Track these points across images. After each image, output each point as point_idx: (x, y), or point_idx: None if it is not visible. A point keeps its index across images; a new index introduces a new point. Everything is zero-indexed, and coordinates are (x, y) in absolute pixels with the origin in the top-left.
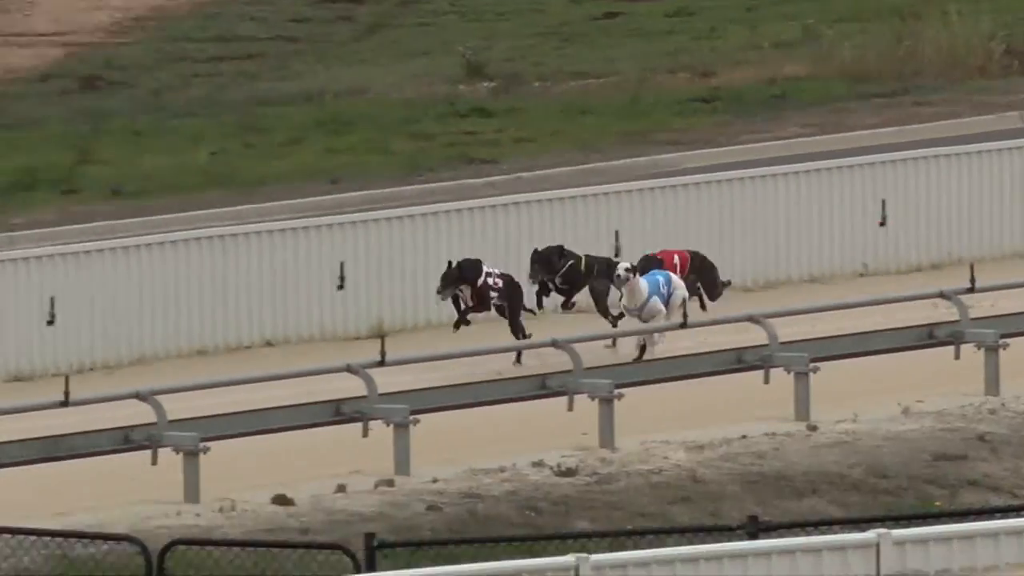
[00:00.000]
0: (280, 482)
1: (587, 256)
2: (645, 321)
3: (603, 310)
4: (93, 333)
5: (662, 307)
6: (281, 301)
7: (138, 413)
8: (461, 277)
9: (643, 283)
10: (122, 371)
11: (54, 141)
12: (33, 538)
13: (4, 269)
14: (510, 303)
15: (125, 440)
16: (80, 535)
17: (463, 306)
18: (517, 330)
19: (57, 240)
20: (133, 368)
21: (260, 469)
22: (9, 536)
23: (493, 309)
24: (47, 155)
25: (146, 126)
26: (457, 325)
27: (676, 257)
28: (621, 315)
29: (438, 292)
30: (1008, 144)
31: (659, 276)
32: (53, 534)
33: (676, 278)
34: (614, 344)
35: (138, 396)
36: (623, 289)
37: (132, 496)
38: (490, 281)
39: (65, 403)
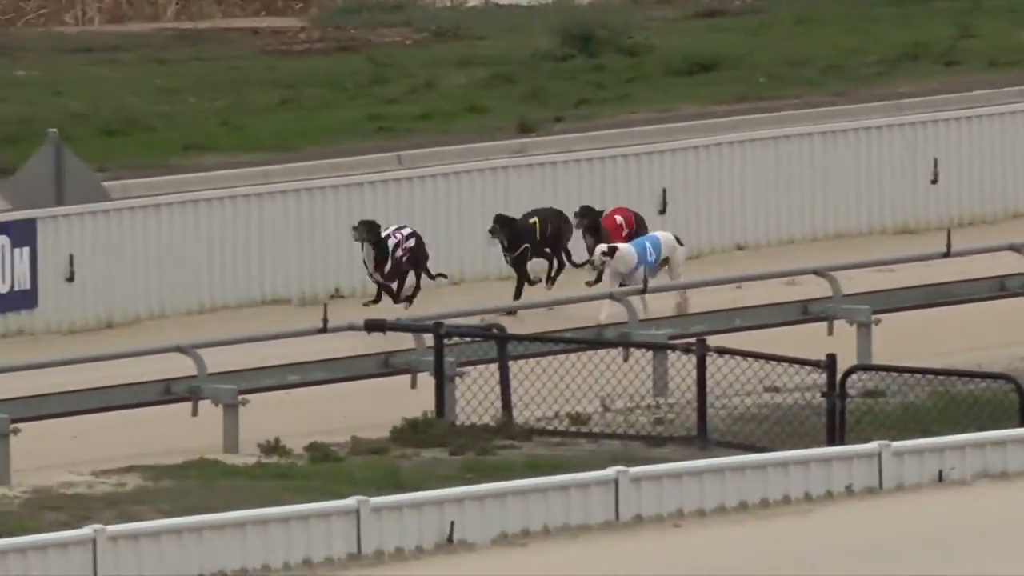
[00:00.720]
0: None
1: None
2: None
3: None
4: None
5: (641, 277)
6: None
7: None
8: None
9: (631, 252)
10: None
11: (938, 17)
12: (919, 376)
13: (891, 134)
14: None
15: None
16: (959, 373)
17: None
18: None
19: (940, 107)
20: None
21: None
22: (897, 375)
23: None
24: (932, 30)
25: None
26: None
27: (619, 217)
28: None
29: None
30: None
31: (645, 241)
32: (936, 372)
33: (666, 237)
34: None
35: None
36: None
37: (1008, 338)
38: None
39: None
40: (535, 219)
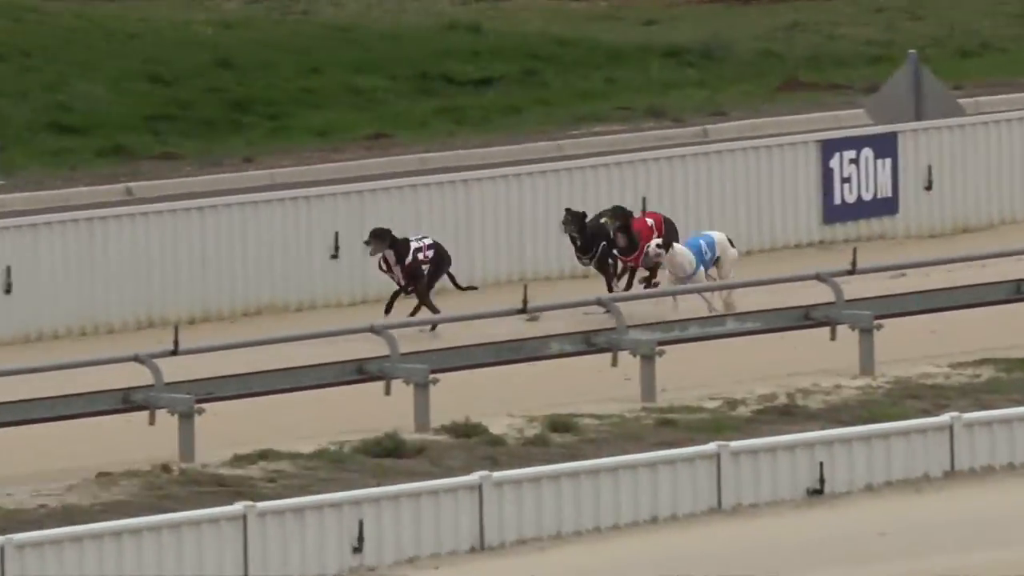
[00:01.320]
0: None
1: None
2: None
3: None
4: None
5: (703, 277)
6: None
7: None
8: (391, 242)
9: (686, 253)
10: None
11: None
12: None
13: None
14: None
15: None
16: None
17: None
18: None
19: None
20: None
21: None
22: None
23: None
24: None
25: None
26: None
27: (650, 220)
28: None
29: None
30: None
31: (700, 240)
32: None
33: (720, 237)
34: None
35: None
36: (664, 263)
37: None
38: (419, 256)
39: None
40: (606, 219)
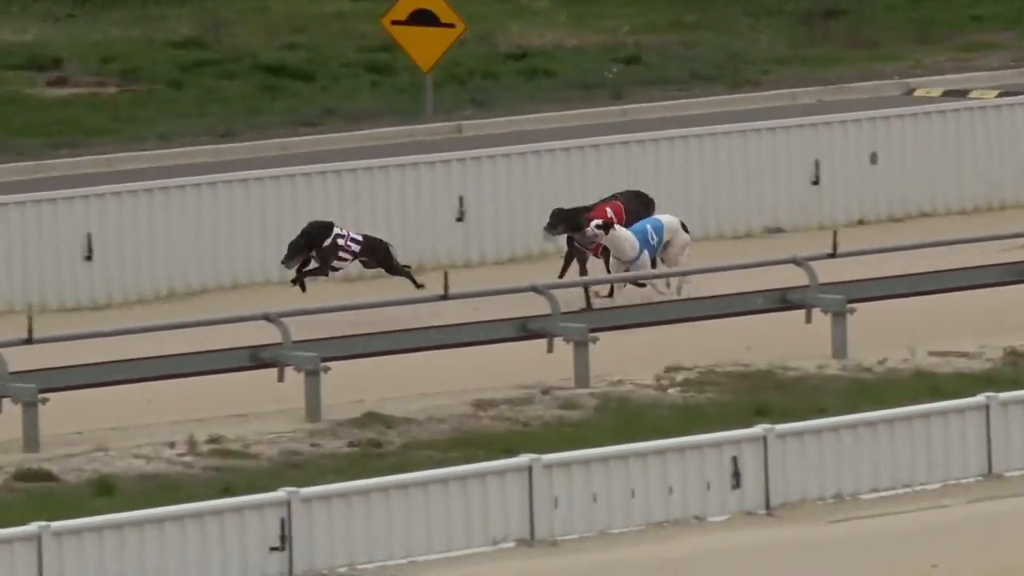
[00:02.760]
0: None
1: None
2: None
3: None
4: None
5: (647, 262)
6: None
7: None
8: (308, 245)
9: (628, 236)
10: None
11: None
12: None
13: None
14: (383, 263)
15: None
16: None
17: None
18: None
19: None
20: None
21: None
22: None
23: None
24: None
25: None
26: (296, 282)
27: (608, 209)
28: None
29: (283, 262)
30: None
31: (648, 225)
32: None
33: (670, 221)
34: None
35: None
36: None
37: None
38: (340, 242)
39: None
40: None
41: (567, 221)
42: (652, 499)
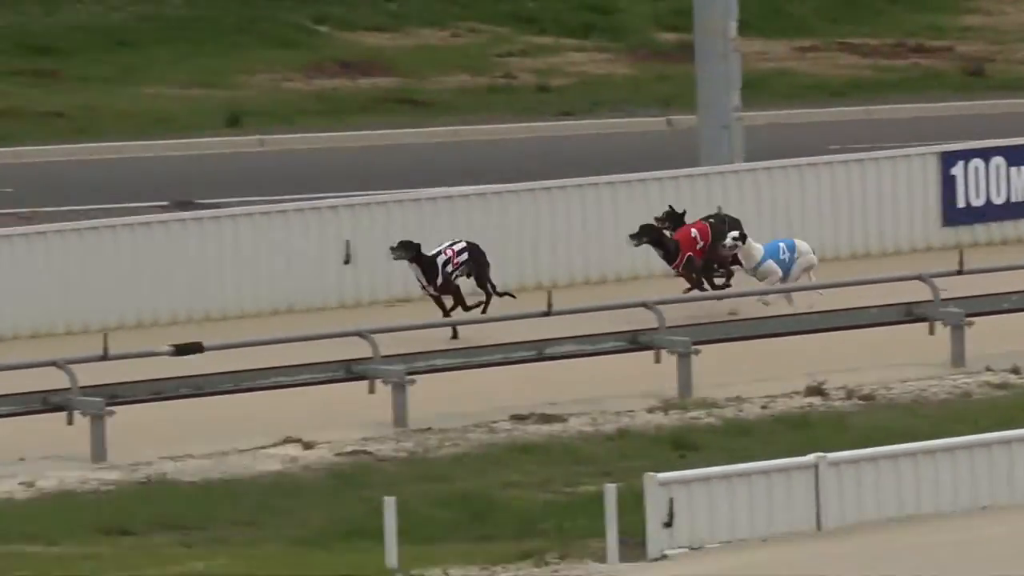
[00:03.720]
0: None
1: None
2: (760, 280)
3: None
4: None
5: (776, 268)
6: None
7: None
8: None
9: (757, 247)
10: None
11: None
12: None
13: None
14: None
15: None
16: None
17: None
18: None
19: None
20: None
21: None
22: None
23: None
24: None
25: None
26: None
27: (693, 230)
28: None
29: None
30: None
31: (781, 243)
32: None
33: (803, 245)
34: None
35: None
36: (739, 255)
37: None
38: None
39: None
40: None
41: (650, 234)
42: None
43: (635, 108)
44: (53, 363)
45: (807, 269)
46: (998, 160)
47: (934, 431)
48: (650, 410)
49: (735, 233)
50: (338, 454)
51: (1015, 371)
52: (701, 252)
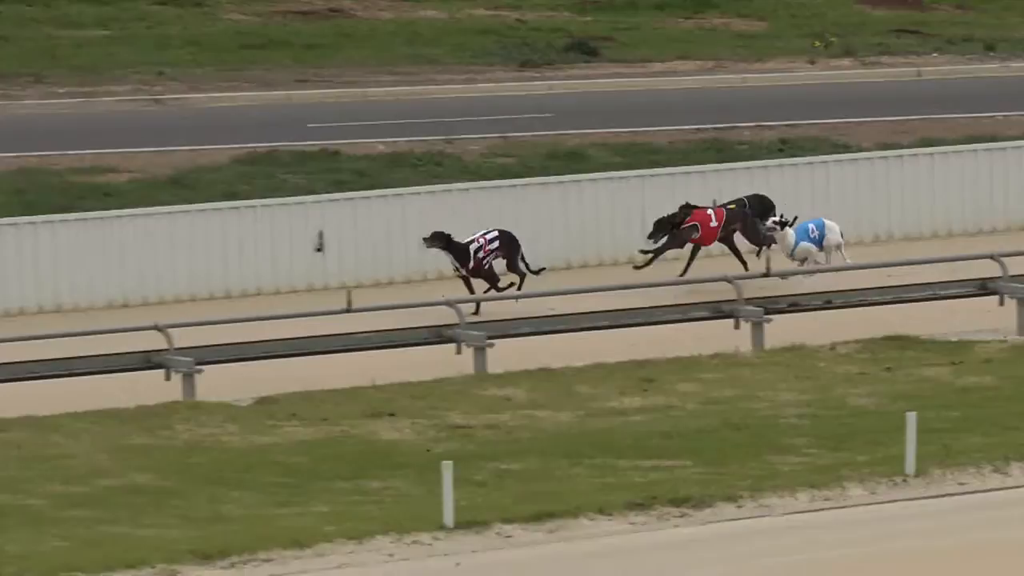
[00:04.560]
0: None
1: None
2: (800, 261)
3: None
4: None
5: (811, 246)
6: None
7: None
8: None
9: (790, 232)
10: None
11: None
12: None
13: None
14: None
15: None
16: None
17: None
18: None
19: None
20: None
21: None
22: None
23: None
24: None
25: None
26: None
27: (710, 211)
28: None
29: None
30: None
31: (809, 223)
32: None
33: (830, 223)
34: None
35: None
36: (776, 238)
37: None
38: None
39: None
40: (734, 204)
41: (665, 226)
42: None
43: None
44: (154, 327)
45: (837, 247)
46: None
47: None
48: None
49: (776, 218)
50: None
51: None
52: (713, 231)
